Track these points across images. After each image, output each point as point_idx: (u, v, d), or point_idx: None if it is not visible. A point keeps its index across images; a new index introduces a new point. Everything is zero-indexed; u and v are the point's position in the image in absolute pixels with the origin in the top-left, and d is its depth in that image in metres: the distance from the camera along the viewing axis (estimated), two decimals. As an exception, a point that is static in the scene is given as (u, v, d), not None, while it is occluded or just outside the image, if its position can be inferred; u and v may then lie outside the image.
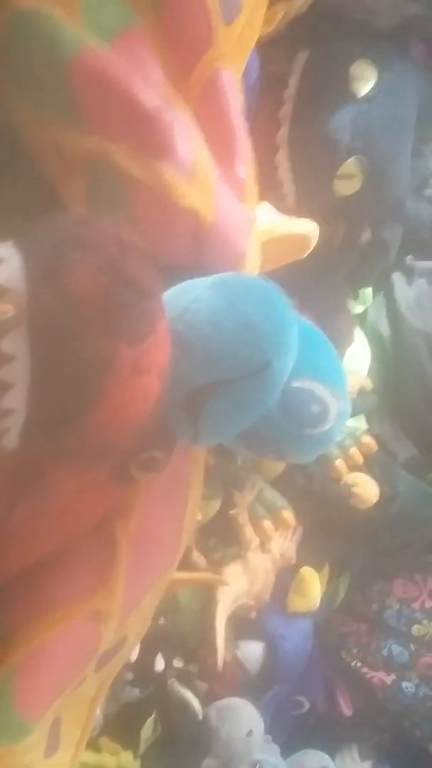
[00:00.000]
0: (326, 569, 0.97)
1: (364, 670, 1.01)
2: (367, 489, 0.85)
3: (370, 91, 0.80)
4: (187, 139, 0.56)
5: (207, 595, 0.85)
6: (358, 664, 1.02)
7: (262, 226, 0.63)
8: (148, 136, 0.55)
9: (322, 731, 1.01)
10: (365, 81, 0.80)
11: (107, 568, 0.54)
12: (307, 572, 0.93)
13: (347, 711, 1.01)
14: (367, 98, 0.80)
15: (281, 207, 0.72)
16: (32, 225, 0.45)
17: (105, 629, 0.55)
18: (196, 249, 0.56)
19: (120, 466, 0.51)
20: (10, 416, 0.43)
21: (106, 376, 0.43)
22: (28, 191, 0.60)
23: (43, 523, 0.51)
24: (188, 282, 0.53)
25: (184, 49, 0.58)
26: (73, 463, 0.49)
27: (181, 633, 0.85)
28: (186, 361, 0.49)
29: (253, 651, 0.94)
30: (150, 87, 0.56)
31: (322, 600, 0.95)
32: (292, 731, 0.97)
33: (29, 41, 0.55)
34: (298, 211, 0.74)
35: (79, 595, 0.53)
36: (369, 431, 0.91)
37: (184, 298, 0.51)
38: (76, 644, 0.54)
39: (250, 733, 0.86)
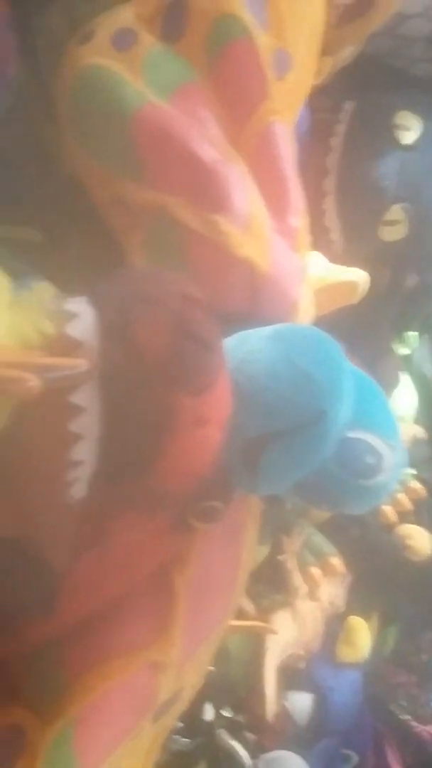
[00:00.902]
0: (375, 618, 0.95)
1: (414, 723, 0.98)
2: (421, 541, 0.84)
3: (414, 140, 0.81)
4: (242, 191, 0.57)
5: (256, 643, 0.84)
6: (408, 718, 0.99)
7: (314, 275, 0.64)
8: (205, 189, 0.56)
9: (371, 787, 0.97)
10: (410, 130, 0.81)
11: (165, 617, 0.54)
12: (356, 621, 0.92)
13: (397, 766, 0.98)
14: (412, 147, 0.81)
15: (328, 252, 0.73)
16: (103, 280, 0.46)
17: (163, 679, 0.54)
18: (252, 298, 0.57)
19: (179, 515, 0.51)
20: (79, 467, 0.43)
21: (170, 428, 0.44)
22: (93, 242, 0.62)
23: (106, 572, 0.52)
24: (244, 333, 0.54)
25: (239, 103, 0.60)
26: (136, 512, 0.49)
27: (231, 682, 0.84)
28: (243, 412, 0.49)
29: (302, 702, 0.91)
30: (207, 141, 0.58)
31: (370, 650, 0.93)
32: (341, 786, 0.94)
33: (95, 96, 0.58)
34: (345, 257, 0.75)
35: (138, 645, 0.53)
36: (417, 476, 0.90)
37: (241, 348, 0.52)
38: (135, 694, 0.53)
39: (298, 787, 0.83)
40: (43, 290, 0.51)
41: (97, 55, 0.59)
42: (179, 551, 0.55)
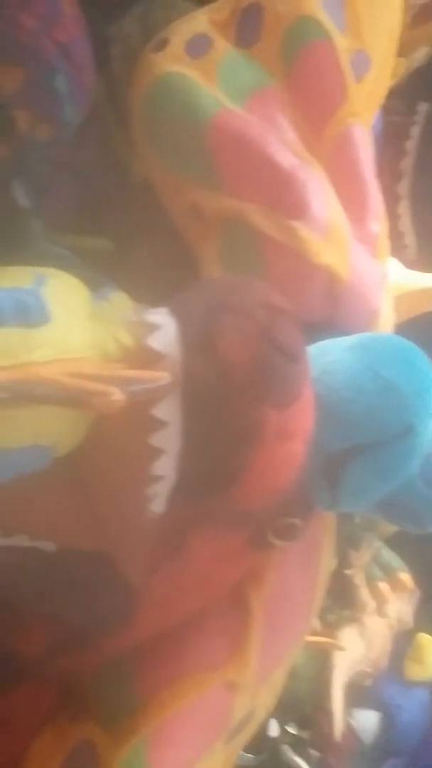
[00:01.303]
0: (444, 636, 0.92)
1: None
2: None
3: None
4: (321, 197, 0.56)
5: (322, 659, 0.82)
6: None
7: (393, 282, 0.62)
8: (283, 195, 0.55)
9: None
10: None
11: (240, 637, 0.53)
12: (425, 639, 0.89)
13: (462, 787, 0.94)
14: None
15: (402, 258, 0.71)
16: (181, 289, 0.45)
17: (239, 701, 0.53)
18: (330, 306, 0.56)
19: (257, 532, 0.50)
20: (159, 482, 0.42)
21: (255, 443, 0.42)
22: (165, 251, 0.61)
23: (181, 588, 0.51)
24: (325, 342, 0.52)
25: (317, 106, 0.59)
26: (214, 527, 0.48)
27: (297, 698, 0.82)
28: (325, 425, 0.48)
29: (368, 720, 0.89)
30: (284, 146, 0.57)
31: (439, 668, 0.90)
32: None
33: (170, 104, 0.57)
34: (419, 262, 0.73)
35: (212, 664, 0.52)
36: None
37: (322, 359, 0.50)
38: (210, 715, 0.52)
39: (364, 808, 0.81)
40: (121, 301, 0.50)
41: (172, 63, 0.58)
42: (255, 569, 0.54)
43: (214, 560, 0.50)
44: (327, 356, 0.51)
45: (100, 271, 0.54)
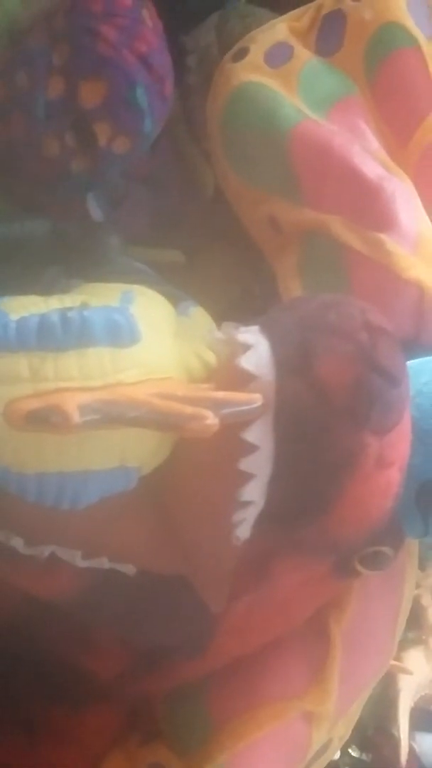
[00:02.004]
0: None
1: None
2: None
3: None
4: (409, 208, 0.54)
5: (386, 681, 0.79)
6: None
7: None
8: (369, 207, 0.53)
9: None
10: None
11: (320, 666, 0.51)
12: None
13: None
14: None
15: None
16: (276, 308, 0.44)
17: (317, 732, 0.51)
18: (418, 322, 0.54)
19: (344, 560, 0.48)
20: (247, 508, 0.41)
21: (351, 470, 0.40)
22: (238, 265, 0.60)
23: (261, 616, 0.49)
24: (417, 362, 0.50)
25: (403, 115, 0.57)
26: (300, 555, 0.46)
27: (359, 720, 0.80)
28: (419, 451, 0.45)
29: (431, 745, 0.86)
30: (370, 156, 0.55)
31: None
32: None
33: (250, 114, 0.56)
34: None
35: (291, 693, 0.50)
36: None
37: (416, 380, 0.48)
38: (287, 746, 0.50)
39: None
40: (201, 317, 0.49)
41: (251, 72, 0.57)
42: (337, 597, 0.52)
43: (296, 588, 0.49)
44: (421, 376, 0.48)
45: (172, 284, 0.53)
